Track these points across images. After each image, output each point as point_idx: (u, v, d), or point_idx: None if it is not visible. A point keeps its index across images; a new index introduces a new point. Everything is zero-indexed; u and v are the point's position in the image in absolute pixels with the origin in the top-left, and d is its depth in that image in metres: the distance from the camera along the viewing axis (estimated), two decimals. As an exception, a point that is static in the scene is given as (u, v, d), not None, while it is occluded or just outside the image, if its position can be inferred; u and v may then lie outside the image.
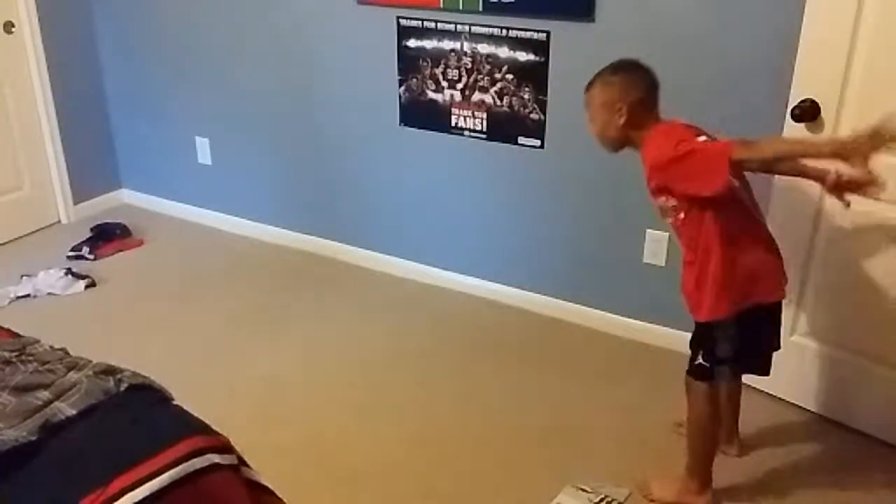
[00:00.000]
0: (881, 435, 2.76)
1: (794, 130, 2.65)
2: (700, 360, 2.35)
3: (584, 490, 2.53)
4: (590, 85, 2.37)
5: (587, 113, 2.39)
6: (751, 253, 2.24)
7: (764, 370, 2.48)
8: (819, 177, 2.19)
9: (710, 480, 2.47)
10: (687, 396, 2.44)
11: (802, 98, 2.60)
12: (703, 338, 2.35)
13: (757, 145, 2.07)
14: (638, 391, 3.06)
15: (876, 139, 1.90)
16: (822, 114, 2.59)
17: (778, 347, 2.47)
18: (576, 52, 3.15)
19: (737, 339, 2.28)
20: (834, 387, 2.84)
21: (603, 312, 3.44)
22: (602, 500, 2.49)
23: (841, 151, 1.96)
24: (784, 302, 2.41)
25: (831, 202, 2.65)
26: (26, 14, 4.11)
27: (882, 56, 2.45)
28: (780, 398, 2.97)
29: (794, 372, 2.92)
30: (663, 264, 3.23)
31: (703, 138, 2.19)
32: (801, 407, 2.93)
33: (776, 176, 2.68)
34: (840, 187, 2.12)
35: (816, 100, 2.58)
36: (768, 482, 2.60)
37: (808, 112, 2.59)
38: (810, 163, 2.19)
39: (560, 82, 3.22)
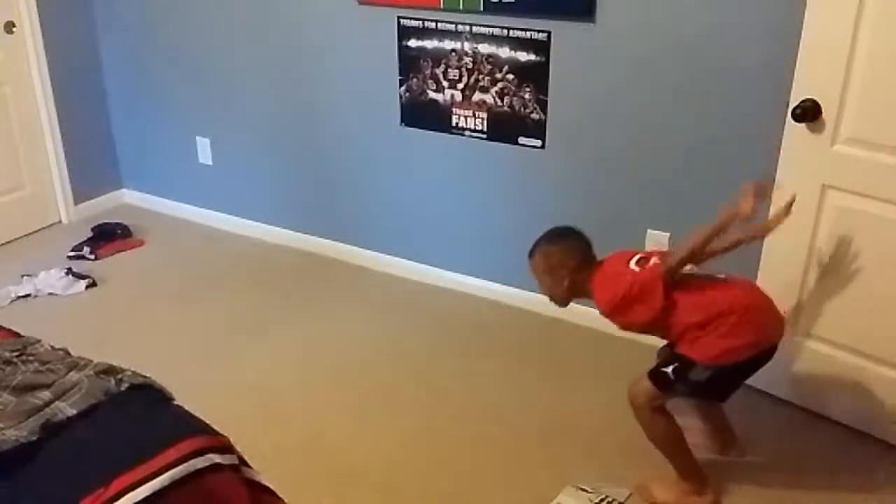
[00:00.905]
0: (884, 436, 2.76)
1: (796, 130, 2.65)
2: (669, 369, 2.38)
3: (584, 490, 2.53)
4: (531, 254, 2.59)
5: (534, 276, 2.60)
6: (730, 321, 2.33)
7: (723, 399, 2.57)
8: (740, 241, 2.48)
9: (704, 479, 2.50)
10: (635, 412, 2.45)
11: (803, 98, 2.60)
12: (683, 359, 2.38)
13: (675, 251, 2.43)
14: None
15: (758, 196, 2.37)
16: (823, 114, 2.59)
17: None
18: (576, 52, 3.15)
19: (717, 376, 2.37)
20: (835, 388, 2.84)
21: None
22: (602, 500, 2.49)
23: (735, 216, 2.37)
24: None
25: (830, 205, 2.66)
26: (27, 14, 4.11)
27: (883, 55, 2.44)
28: (781, 399, 2.97)
29: (795, 373, 2.92)
30: (664, 264, 3.23)
31: (635, 259, 2.45)
32: (801, 407, 2.92)
33: (776, 179, 2.72)
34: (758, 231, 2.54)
35: (817, 99, 2.58)
36: (771, 483, 2.60)
37: (810, 112, 2.59)
38: (730, 235, 2.44)
39: (561, 82, 3.22)
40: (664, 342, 2.55)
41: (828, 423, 2.86)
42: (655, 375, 2.41)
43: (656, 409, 2.42)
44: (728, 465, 2.63)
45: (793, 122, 2.63)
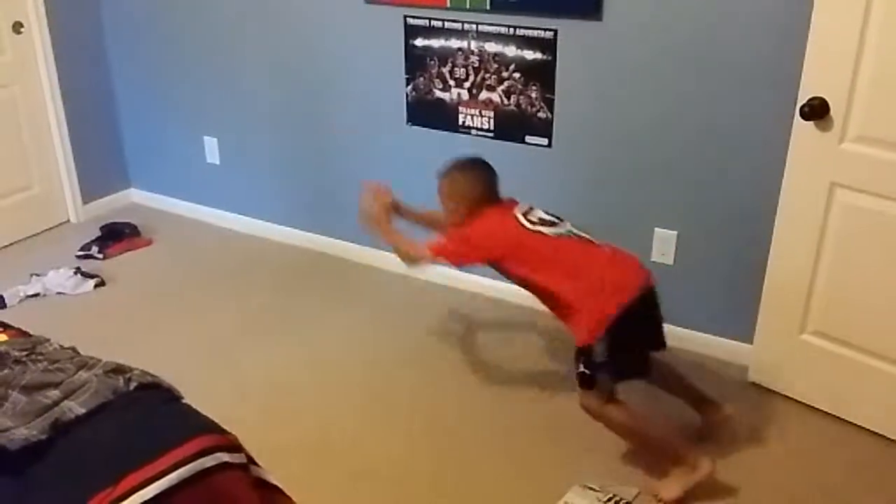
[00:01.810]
0: (892, 434, 2.75)
1: (804, 128, 2.64)
2: (581, 367, 2.47)
3: (592, 489, 2.52)
4: (441, 174, 2.76)
5: (438, 196, 2.78)
6: (583, 282, 2.50)
7: (644, 372, 2.61)
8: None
9: (689, 449, 2.51)
10: (599, 421, 2.52)
11: (811, 96, 2.59)
12: (581, 350, 2.50)
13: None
14: (646, 390, 3.05)
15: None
16: (832, 111, 2.58)
17: (659, 348, 2.59)
18: (583, 50, 3.14)
19: (611, 344, 2.43)
20: (843, 385, 2.83)
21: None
22: (610, 499, 2.49)
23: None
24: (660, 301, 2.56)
25: (838, 203, 2.65)
26: (35, 14, 4.12)
27: (891, 52, 2.43)
28: (789, 397, 2.96)
29: (802, 370, 2.91)
30: (672, 263, 3.23)
31: (523, 213, 2.63)
32: (811, 406, 2.92)
33: (784, 178, 2.74)
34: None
35: (825, 97, 2.58)
36: (779, 483, 2.59)
37: (818, 110, 2.59)
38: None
39: (567, 81, 3.22)
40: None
41: (837, 422, 2.85)
42: (580, 380, 2.50)
43: (607, 407, 2.49)
44: (731, 465, 2.63)
45: (801, 120, 2.63)
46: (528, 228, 2.58)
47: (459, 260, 2.73)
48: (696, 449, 2.53)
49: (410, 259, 2.80)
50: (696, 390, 2.74)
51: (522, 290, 3.63)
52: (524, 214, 2.62)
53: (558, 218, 2.66)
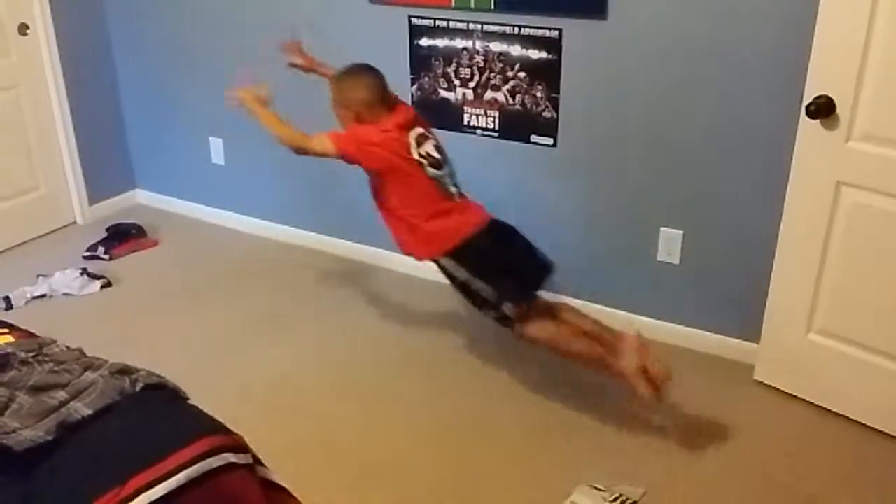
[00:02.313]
0: (898, 433, 2.75)
1: (810, 127, 2.64)
2: (464, 295, 2.81)
3: (598, 489, 2.52)
4: (334, 80, 2.96)
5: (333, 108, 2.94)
6: (431, 222, 2.79)
7: (534, 287, 2.87)
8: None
9: (611, 346, 2.67)
10: (542, 346, 2.80)
11: (817, 94, 2.59)
12: (467, 294, 2.80)
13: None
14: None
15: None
16: (838, 110, 2.57)
17: (542, 267, 2.89)
18: (588, 49, 3.14)
19: (468, 265, 2.77)
20: (850, 384, 2.82)
21: (616, 311, 3.43)
22: (616, 498, 2.48)
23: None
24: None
25: (844, 202, 2.64)
26: (41, 16, 4.13)
27: (898, 51, 2.43)
28: (795, 396, 2.95)
29: (809, 370, 2.90)
30: (678, 262, 3.22)
31: (416, 135, 2.81)
32: (817, 405, 2.91)
33: (791, 177, 2.73)
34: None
35: (831, 96, 2.57)
36: (785, 482, 2.59)
37: (824, 108, 2.58)
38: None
39: (573, 80, 3.22)
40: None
41: (844, 421, 2.84)
42: (480, 309, 2.82)
43: (528, 330, 2.75)
44: (745, 463, 2.62)
45: (807, 118, 2.62)
46: (412, 156, 2.77)
47: (343, 151, 2.79)
48: (614, 343, 2.67)
49: (291, 141, 2.89)
50: (598, 334, 2.82)
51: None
52: (417, 140, 2.81)
53: (444, 161, 2.86)
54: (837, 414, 2.86)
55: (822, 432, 2.81)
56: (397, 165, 2.77)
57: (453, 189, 2.87)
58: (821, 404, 2.90)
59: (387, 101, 2.88)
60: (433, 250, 2.85)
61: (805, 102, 2.61)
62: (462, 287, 2.83)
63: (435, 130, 3.59)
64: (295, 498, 2.07)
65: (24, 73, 4.16)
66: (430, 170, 2.80)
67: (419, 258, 2.95)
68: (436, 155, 2.84)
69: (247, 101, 2.96)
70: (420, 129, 2.85)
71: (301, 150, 2.88)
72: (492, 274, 2.77)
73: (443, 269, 2.87)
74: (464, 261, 2.79)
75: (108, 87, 4.54)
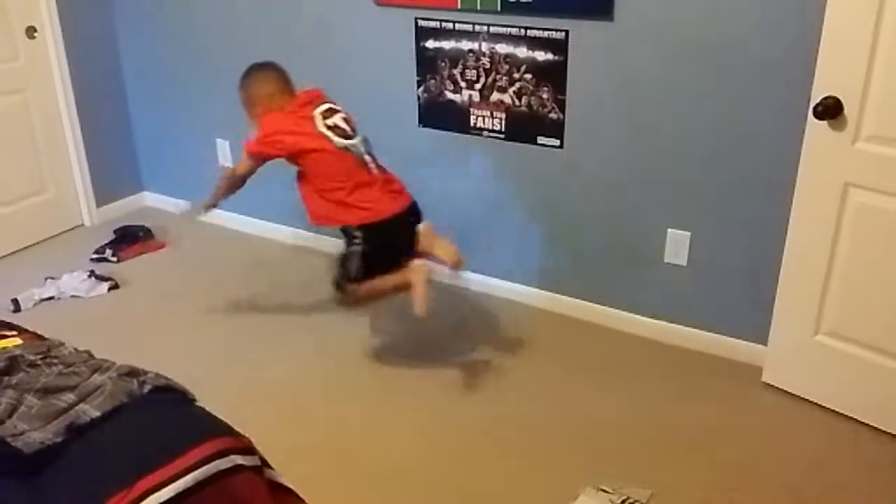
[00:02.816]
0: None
1: (817, 128, 2.63)
2: (339, 278, 2.97)
3: (605, 491, 2.52)
4: (238, 88, 3.07)
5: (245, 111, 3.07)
6: (355, 194, 2.90)
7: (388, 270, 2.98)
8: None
9: (402, 275, 2.92)
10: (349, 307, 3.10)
11: (825, 95, 2.58)
12: (341, 262, 2.96)
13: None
14: (659, 391, 3.05)
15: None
16: (845, 111, 2.57)
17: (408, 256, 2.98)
18: (595, 51, 3.14)
19: (368, 241, 2.91)
20: (858, 386, 2.81)
21: (623, 312, 3.43)
22: (624, 501, 2.48)
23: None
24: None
25: (852, 203, 2.64)
26: (48, 19, 4.15)
27: (905, 52, 2.42)
28: (803, 398, 2.94)
29: (817, 372, 2.89)
30: (685, 264, 3.22)
31: (322, 109, 2.91)
32: (825, 407, 2.90)
33: (798, 178, 2.73)
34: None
35: (839, 96, 2.56)
36: (793, 484, 2.58)
37: (831, 109, 2.57)
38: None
39: (579, 81, 3.21)
40: None
41: (853, 424, 2.83)
42: (338, 287, 3.01)
43: (350, 296, 3.01)
44: (753, 465, 2.62)
45: (814, 119, 2.62)
46: (318, 130, 2.85)
47: (260, 152, 2.96)
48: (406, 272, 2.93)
49: (236, 173, 3.13)
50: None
51: (538, 291, 3.66)
52: (322, 114, 2.89)
53: (354, 131, 2.94)
54: (846, 416, 2.85)
55: (831, 434, 2.80)
56: (304, 145, 2.85)
57: (367, 158, 2.93)
58: (830, 406, 2.89)
59: (289, 90, 3.00)
60: (354, 219, 2.91)
61: (812, 103, 2.60)
62: (346, 256, 2.94)
63: (441, 132, 3.63)
64: (302, 500, 2.08)
65: (32, 76, 4.18)
66: (339, 140, 2.87)
67: (336, 223, 3.01)
68: (343, 126, 2.91)
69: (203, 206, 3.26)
70: (327, 104, 2.93)
71: (239, 177, 3.13)
72: (374, 259, 2.91)
73: (349, 235, 2.94)
74: (371, 239, 2.89)
75: (115, 90, 4.56)
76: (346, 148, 2.87)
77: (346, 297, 3.00)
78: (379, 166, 2.98)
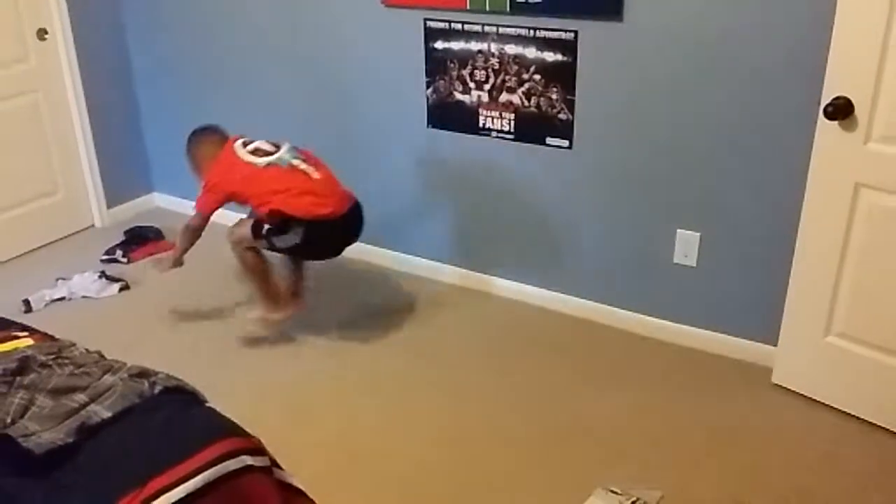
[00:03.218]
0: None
1: (828, 128, 2.62)
2: (268, 226, 3.09)
3: (614, 492, 2.51)
4: (185, 157, 3.41)
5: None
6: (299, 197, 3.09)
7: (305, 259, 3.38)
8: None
9: (278, 299, 3.31)
10: (232, 249, 3.24)
11: (835, 95, 2.57)
12: (275, 223, 3.10)
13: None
14: (668, 392, 3.05)
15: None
16: (856, 111, 2.56)
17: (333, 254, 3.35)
18: (604, 51, 3.13)
19: (305, 235, 3.08)
20: (869, 388, 2.80)
21: (632, 313, 3.42)
22: (633, 502, 2.47)
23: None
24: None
25: (863, 203, 2.63)
26: (59, 21, 4.17)
27: (917, 52, 2.41)
28: (814, 399, 2.93)
29: (827, 373, 2.88)
30: (694, 265, 3.21)
31: (252, 148, 3.19)
32: (835, 408, 2.89)
33: (809, 178, 2.73)
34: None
35: (850, 97, 2.55)
36: (805, 486, 2.57)
37: (842, 109, 2.56)
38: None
39: (588, 82, 3.21)
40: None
41: (864, 425, 2.82)
42: (255, 227, 3.13)
43: (248, 252, 3.18)
44: (764, 467, 2.61)
45: (825, 119, 2.61)
46: (242, 159, 3.13)
47: (209, 206, 3.23)
48: (284, 304, 3.33)
49: (190, 227, 3.34)
50: (302, 282, 3.46)
51: (546, 292, 3.66)
52: (243, 145, 3.17)
53: (276, 145, 3.18)
54: (857, 417, 2.84)
55: (841, 436, 2.79)
56: (239, 176, 3.14)
57: (295, 161, 3.15)
58: (840, 408, 2.88)
59: (224, 141, 3.27)
60: (301, 212, 3.07)
61: (823, 103, 2.59)
62: (279, 232, 3.11)
63: (450, 133, 3.63)
64: (312, 500, 2.08)
65: (43, 77, 4.20)
66: (263, 159, 3.13)
67: (283, 213, 3.10)
68: (265, 147, 3.17)
69: (170, 262, 3.44)
70: (247, 138, 3.24)
71: (196, 231, 3.34)
72: (300, 250, 3.17)
73: (289, 225, 3.10)
74: (309, 234, 3.08)
75: (125, 91, 4.58)
76: (270, 163, 3.12)
77: (248, 245, 3.18)
78: (316, 166, 3.19)
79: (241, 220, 3.23)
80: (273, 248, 3.16)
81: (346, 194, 3.21)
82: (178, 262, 3.44)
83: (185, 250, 3.40)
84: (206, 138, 3.32)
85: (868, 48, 2.48)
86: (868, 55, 2.48)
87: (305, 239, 3.08)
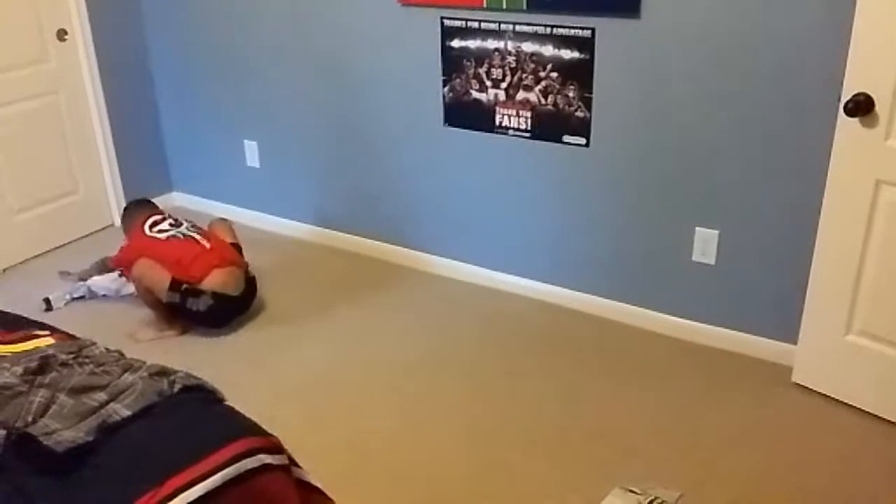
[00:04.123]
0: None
1: (848, 125, 2.60)
2: (180, 296, 3.37)
3: (633, 492, 2.50)
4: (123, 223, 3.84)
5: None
6: (194, 264, 3.47)
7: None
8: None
9: (173, 319, 3.48)
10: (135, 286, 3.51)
11: (856, 92, 2.55)
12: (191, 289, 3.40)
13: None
14: (687, 391, 3.03)
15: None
16: (877, 108, 2.53)
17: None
18: (621, 49, 3.12)
19: (212, 304, 3.40)
20: (890, 386, 2.77)
21: (651, 312, 3.41)
22: (651, 501, 2.46)
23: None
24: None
25: (884, 201, 2.60)
26: (78, 22, 4.20)
27: (939, 47, 2.38)
28: (834, 398, 2.91)
29: (848, 371, 2.86)
30: (713, 263, 3.19)
31: (150, 224, 3.64)
32: (856, 407, 2.87)
33: (828, 175, 2.70)
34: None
35: (870, 93, 2.53)
36: (824, 486, 2.55)
37: (862, 106, 2.54)
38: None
39: (606, 80, 3.20)
40: None
41: (884, 424, 2.80)
42: (170, 297, 3.39)
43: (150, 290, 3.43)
44: (784, 467, 2.59)
45: (845, 116, 2.58)
46: (147, 235, 3.56)
47: (120, 263, 3.66)
48: (179, 319, 3.49)
49: (106, 265, 3.81)
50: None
51: (563, 290, 3.65)
52: (149, 227, 3.61)
53: (176, 223, 3.63)
54: (878, 416, 2.82)
55: (862, 435, 2.77)
56: (143, 248, 3.51)
57: (192, 234, 3.59)
58: (861, 406, 2.86)
59: (146, 216, 3.68)
60: (193, 278, 3.41)
61: (843, 100, 2.57)
62: (188, 304, 3.38)
63: (467, 132, 3.62)
64: (329, 499, 2.08)
65: (63, 78, 4.23)
66: (163, 234, 3.56)
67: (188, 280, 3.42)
68: (165, 227, 3.60)
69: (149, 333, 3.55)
70: (156, 217, 3.67)
71: (145, 290, 3.48)
72: (202, 317, 3.44)
73: (199, 291, 3.40)
74: (217, 304, 3.39)
75: (144, 91, 4.61)
76: (171, 237, 3.54)
77: (158, 294, 3.40)
78: (209, 240, 3.60)
79: (154, 265, 3.42)
80: (182, 309, 3.38)
81: (239, 259, 3.64)
82: (164, 326, 3.54)
83: (90, 275, 3.82)
84: (130, 214, 3.78)
85: (888, 45, 2.45)
86: (888, 52, 2.46)
87: (212, 308, 3.37)
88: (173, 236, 3.56)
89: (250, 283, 3.61)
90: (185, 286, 3.37)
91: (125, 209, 3.88)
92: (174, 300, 3.37)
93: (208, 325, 3.49)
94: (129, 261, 3.52)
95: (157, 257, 3.44)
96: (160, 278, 3.38)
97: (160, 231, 3.60)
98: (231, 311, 3.52)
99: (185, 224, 3.67)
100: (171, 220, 3.67)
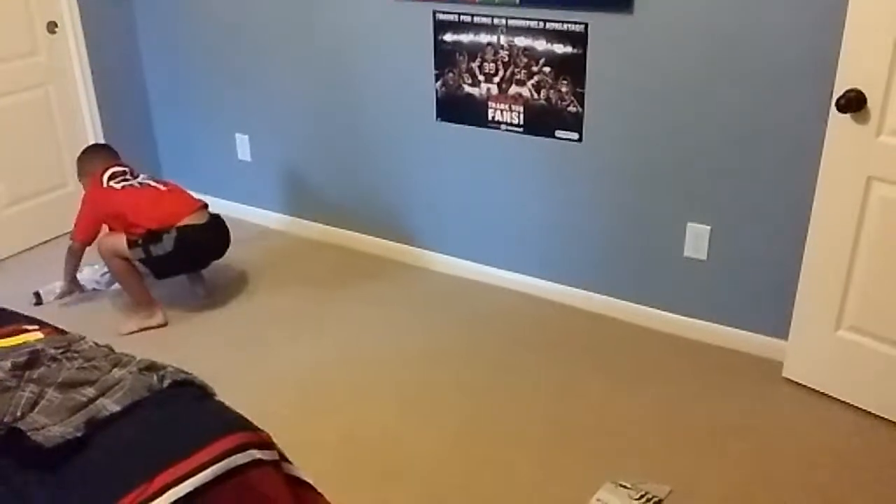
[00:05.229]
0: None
1: (840, 121, 2.60)
2: (142, 242, 3.34)
3: (624, 486, 2.51)
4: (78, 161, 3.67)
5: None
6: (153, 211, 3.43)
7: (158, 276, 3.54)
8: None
9: (154, 305, 3.48)
10: (107, 259, 3.45)
11: (848, 88, 2.55)
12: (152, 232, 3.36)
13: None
14: (678, 386, 3.04)
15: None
16: (868, 104, 2.54)
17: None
18: (614, 44, 3.11)
19: (176, 244, 3.36)
20: (880, 382, 2.78)
21: (643, 307, 3.41)
22: (642, 496, 2.47)
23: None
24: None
25: (875, 197, 2.60)
26: (69, 14, 4.17)
27: (931, 44, 2.39)
28: (825, 394, 2.92)
29: (838, 367, 2.87)
30: (705, 258, 3.19)
31: (109, 174, 3.52)
32: (846, 403, 2.88)
33: (820, 172, 2.70)
34: None
35: (862, 89, 2.53)
36: (814, 481, 2.56)
37: (854, 102, 2.54)
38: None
39: (598, 75, 3.19)
40: None
41: (876, 420, 2.81)
42: (132, 243, 3.35)
43: (117, 260, 3.39)
44: (773, 462, 2.60)
45: (837, 112, 2.59)
46: (104, 187, 3.46)
47: (87, 234, 3.50)
48: (159, 308, 3.49)
49: (72, 251, 3.57)
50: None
51: (556, 286, 3.65)
52: (111, 175, 3.49)
53: (132, 173, 3.56)
54: (868, 412, 2.83)
55: (852, 431, 2.78)
56: (104, 202, 3.46)
57: (151, 182, 3.53)
58: (851, 402, 2.87)
59: (107, 164, 3.56)
60: (152, 221, 3.37)
61: (835, 96, 2.57)
62: (151, 251, 3.35)
63: (459, 126, 3.62)
64: (320, 494, 2.08)
65: (53, 71, 4.21)
66: (120, 184, 3.47)
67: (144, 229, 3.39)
68: (124, 179, 3.50)
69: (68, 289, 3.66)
70: (114, 169, 3.54)
71: (78, 254, 3.55)
72: (173, 260, 3.39)
73: (158, 235, 3.36)
74: (182, 240, 3.35)
75: (135, 85, 4.59)
76: (126, 185, 3.48)
77: (122, 255, 3.39)
78: (167, 186, 3.57)
79: (110, 231, 3.45)
80: (149, 258, 3.34)
81: (198, 201, 3.54)
82: (69, 290, 3.65)
83: (75, 273, 3.64)
84: (89, 156, 3.63)
85: (881, 41, 2.46)
86: (881, 48, 2.46)
87: (178, 244, 3.33)
88: (129, 185, 3.51)
89: (216, 217, 3.56)
90: (141, 238, 3.33)
91: (83, 151, 3.72)
92: (140, 256, 3.34)
93: (185, 267, 3.50)
94: (90, 229, 3.49)
95: (115, 206, 3.41)
96: (117, 241, 3.36)
97: (118, 182, 3.53)
98: (200, 244, 3.47)
99: (143, 175, 3.62)
100: (129, 173, 3.60)
